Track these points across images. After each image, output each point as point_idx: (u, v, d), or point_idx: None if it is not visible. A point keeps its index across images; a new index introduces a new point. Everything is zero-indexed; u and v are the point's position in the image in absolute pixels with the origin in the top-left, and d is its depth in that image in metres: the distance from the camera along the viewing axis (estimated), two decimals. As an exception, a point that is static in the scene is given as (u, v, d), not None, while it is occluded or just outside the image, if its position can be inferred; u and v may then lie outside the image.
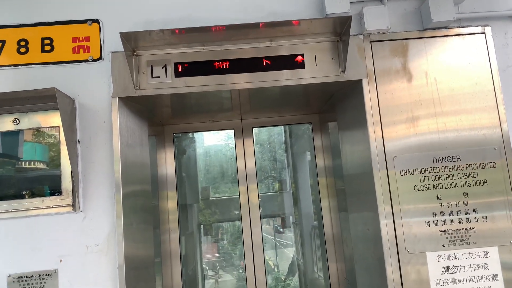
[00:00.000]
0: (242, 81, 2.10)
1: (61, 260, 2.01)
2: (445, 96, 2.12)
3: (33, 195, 2.07)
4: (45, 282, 1.99)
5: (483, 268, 1.99)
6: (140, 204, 2.22)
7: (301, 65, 2.12)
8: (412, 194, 2.05)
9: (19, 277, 1.99)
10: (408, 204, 2.04)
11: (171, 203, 2.84)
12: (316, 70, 2.13)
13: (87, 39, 2.18)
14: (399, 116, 2.11)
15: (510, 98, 2.18)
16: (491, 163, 2.07)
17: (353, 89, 2.21)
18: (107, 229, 2.04)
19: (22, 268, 2.00)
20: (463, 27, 2.20)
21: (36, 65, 2.13)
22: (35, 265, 2.01)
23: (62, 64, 2.15)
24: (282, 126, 4.89)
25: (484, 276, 1.98)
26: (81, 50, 2.16)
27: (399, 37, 2.18)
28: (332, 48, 2.15)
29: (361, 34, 2.18)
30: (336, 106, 2.48)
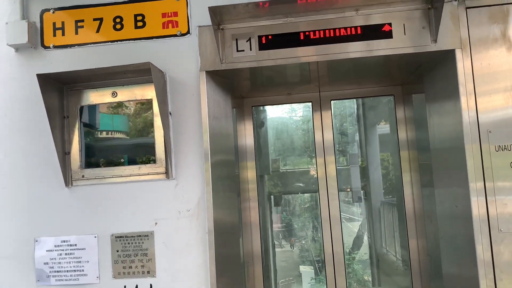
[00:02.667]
0: (327, 52, 2.08)
1: (156, 223, 2.19)
2: (551, 65, 1.94)
3: (130, 162, 2.26)
4: (142, 242, 2.19)
5: None
6: (225, 173, 2.33)
7: (389, 35, 2.05)
8: (508, 170, 1.94)
9: (120, 237, 2.21)
10: (503, 181, 1.93)
11: (250, 173, 2.94)
12: (405, 40, 2.04)
13: (175, 14, 2.26)
14: (496, 85, 1.98)
15: None
16: None
17: (444, 59, 2.09)
18: (197, 195, 2.18)
19: (123, 228, 2.21)
20: None
21: (130, 41, 2.27)
22: (134, 226, 2.20)
23: (153, 39, 2.26)
24: (355, 100, 4.78)
25: None
26: (170, 25, 2.26)
27: (498, 2, 2.00)
28: (423, 16, 2.04)
29: (456, 0, 2.04)
30: (424, 77, 2.36)
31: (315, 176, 2.94)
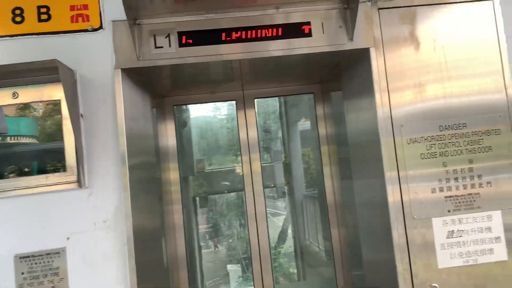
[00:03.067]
0: (249, 50, 2.05)
1: (68, 238, 2.00)
2: (452, 62, 2.12)
3: (40, 171, 2.03)
4: (53, 261, 1.98)
5: (486, 231, 2.05)
6: (145, 176, 2.21)
7: (308, 34, 2.08)
8: (418, 161, 2.08)
9: (26, 257, 1.97)
10: (415, 171, 2.07)
11: (173, 175, 2.83)
12: (324, 39, 2.09)
13: (85, 7, 2.08)
14: (406, 82, 2.10)
15: (515, 65, 2.20)
16: (496, 130, 2.10)
17: (360, 57, 2.19)
18: (114, 204, 2.02)
19: (29, 247, 1.97)
20: (471, -8, 2.17)
21: (33, 36, 2.04)
22: (42, 243, 1.98)
23: (60, 34, 2.06)
24: (277, 98, 4.87)
25: (487, 239, 2.05)
26: (79, 19, 2.07)
27: (407, 4, 2.14)
28: (340, 16, 2.11)
29: (369, 1, 2.13)
30: (342, 75, 2.46)
31: (241, 174, 2.93)
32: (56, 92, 2.02)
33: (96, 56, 2.05)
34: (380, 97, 2.09)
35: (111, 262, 2.01)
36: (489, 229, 2.05)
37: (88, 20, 2.07)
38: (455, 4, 2.14)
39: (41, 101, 2.04)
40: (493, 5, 2.15)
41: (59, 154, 2.04)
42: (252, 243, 2.83)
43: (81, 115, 2.04)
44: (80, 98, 2.04)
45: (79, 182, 2.01)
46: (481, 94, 2.11)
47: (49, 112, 2.15)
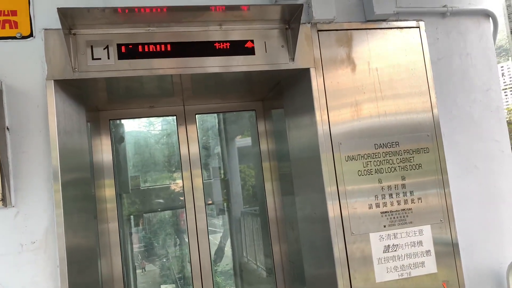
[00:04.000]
0: (190, 65, 2.03)
1: (-10, 261, 1.81)
2: (384, 84, 2.25)
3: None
4: (-29, 287, 1.78)
5: (418, 245, 2.17)
6: (80, 193, 2.07)
7: (251, 52, 2.10)
8: (356, 177, 2.16)
9: None
10: (353, 186, 2.15)
11: (108, 192, 2.69)
12: (266, 57, 2.12)
13: (14, 13, 1.94)
14: (343, 101, 2.20)
15: (440, 87, 2.38)
16: (425, 148, 2.25)
17: (300, 76, 2.25)
18: (45, 224, 1.87)
19: None
20: (401, 20, 2.34)
21: (-48, 41, 1.86)
22: (-42, 268, 1.78)
23: (-16, 41, 1.89)
24: (216, 114, 4.86)
25: (419, 252, 2.17)
26: (7, 25, 1.92)
27: (344, 27, 2.25)
28: (281, 36, 2.16)
29: (309, 23, 2.21)
30: (283, 93, 2.50)
31: (176, 191, 2.86)
32: (-23, 103, 1.84)
33: (25, 66, 1.91)
34: (320, 115, 2.16)
35: (40, 286, 1.84)
36: (420, 243, 2.17)
37: (16, 27, 1.93)
38: (387, 30, 2.29)
39: (-41, 113, 1.85)
40: (419, 31, 2.33)
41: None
42: (193, 260, 2.75)
43: (7, 128, 1.88)
44: (6, 110, 1.87)
45: (4, 201, 1.84)
46: (411, 114, 2.26)
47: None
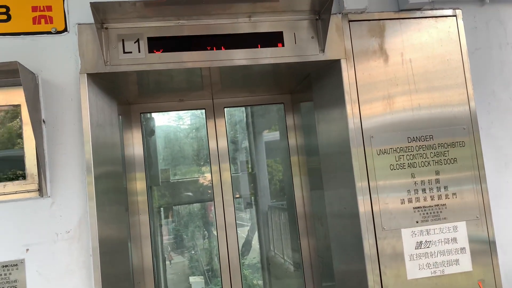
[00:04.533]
0: (220, 58, 2.02)
1: (27, 250, 1.87)
2: (419, 76, 2.17)
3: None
4: (10, 274, 1.85)
5: (452, 242, 2.10)
6: (112, 186, 2.11)
7: (281, 43, 2.08)
8: (388, 171, 2.10)
9: (-20, 269, 1.83)
10: (385, 181, 2.09)
11: (139, 185, 2.74)
12: (296, 49, 2.09)
13: (49, 8, 1.98)
14: (375, 94, 2.14)
15: (477, 79, 2.29)
16: (460, 142, 2.16)
17: (331, 68, 2.21)
18: (78, 214, 1.92)
19: (-17, 259, 1.84)
20: (436, 9, 2.25)
21: (-9, 37, 1.92)
22: (-1, 255, 1.85)
23: (21, 36, 1.95)
24: (244, 108, 4.86)
25: (453, 250, 2.09)
26: (42, 20, 1.97)
27: (376, 18, 2.18)
28: (311, 27, 2.12)
29: (339, 13, 2.16)
30: (312, 86, 2.47)
31: (204, 184, 2.88)
32: (16, 97, 1.91)
33: (60, 60, 1.96)
34: (351, 108, 2.11)
35: (74, 274, 1.90)
36: (455, 239, 2.10)
37: (51, 22, 1.97)
38: (421, 19, 2.21)
39: (-1, 106, 1.91)
40: (456, 20, 2.23)
41: (19, 162, 1.92)
42: (222, 254, 2.77)
43: (44, 121, 1.93)
44: (42, 103, 1.93)
45: (41, 191, 1.90)
46: (447, 107, 2.18)
47: (9, 119, 2.02)
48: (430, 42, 2.20)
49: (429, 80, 2.18)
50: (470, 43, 2.27)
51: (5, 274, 1.84)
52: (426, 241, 2.08)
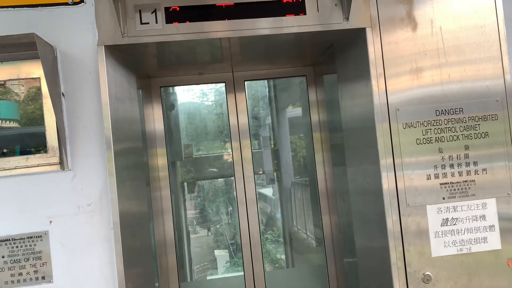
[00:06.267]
0: (240, 27, 1.95)
1: (51, 222, 1.91)
2: (450, 46, 2.04)
3: (15, 153, 1.92)
4: (35, 244, 1.89)
5: (481, 219, 2.01)
6: (132, 162, 2.11)
7: (303, 11, 1.98)
8: (414, 147, 2.01)
9: (6, 240, 1.88)
10: (410, 157, 2.01)
11: (160, 160, 2.74)
12: (318, 17, 2.00)
13: (65, -21, 1.95)
14: (403, 67, 2.03)
15: (514, 48, 2.14)
16: (493, 115, 2.04)
17: (355, 38, 2.10)
18: (99, 187, 1.94)
19: (9, 230, 1.89)
20: (471, -28, 2.09)
21: (9, 8, 1.91)
22: (23, 227, 1.90)
23: (39, 8, 1.93)
24: (265, 81, 4.78)
25: (481, 227, 2.01)
26: (59, -9, 1.95)
27: (403, -18, 2.05)
28: (335, -7, 2.01)
29: (365, -22, 2.04)
30: (336, 57, 2.37)
31: (229, 160, 2.86)
32: (34, 70, 1.91)
33: (77, 32, 1.94)
34: (376, 83, 2.01)
35: (96, 247, 1.94)
36: (483, 217, 2.01)
37: (68, -7, 1.94)
38: (454, -16, 2.06)
39: (18, 79, 1.92)
40: (494, -14, 2.07)
41: (42, 137, 1.93)
42: (242, 229, 2.77)
43: (63, 94, 1.93)
44: (61, 76, 1.93)
45: (62, 164, 1.92)
46: (479, 80, 2.05)
47: (32, 96, 2.03)
48: (463, 8, 2.06)
49: (461, 51, 2.05)
50: (507, 9, 2.11)
51: (30, 245, 1.89)
52: (452, 218, 2.00)
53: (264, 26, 1.97)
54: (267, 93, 5.40)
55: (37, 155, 1.91)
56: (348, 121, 2.34)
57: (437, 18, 2.05)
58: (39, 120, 1.95)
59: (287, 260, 5.17)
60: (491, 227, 2.01)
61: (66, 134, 1.92)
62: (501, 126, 2.04)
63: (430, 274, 1.96)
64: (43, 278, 1.89)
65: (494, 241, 2.01)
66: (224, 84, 2.78)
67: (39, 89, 1.93)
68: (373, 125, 2.01)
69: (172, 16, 1.94)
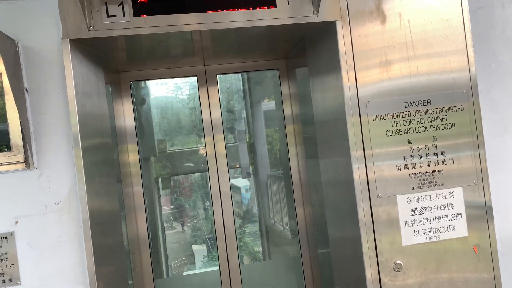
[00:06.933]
0: (210, 20, 1.93)
1: (17, 222, 1.85)
2: (417, 39, 2.08)
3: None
4: (0, 246, 1.83)
5: (449, 208, 2.07)
6: (101, 158, 2.06)
7: (273, 3, 1.97)
8: (384, 138, 2.05)
9: (-31, 242, 1.82)
10: (380, 148, 2.04)
11: (132, 156, 2.69)
12: (289, 10, 1.99)
13: (26, -31, 1.88)
14: (372, 60, 2.05)
15: (478, 40, 2.20)
16: (459, 106, 2.10)
17: (325, 31, 2.11)
18: (68, 185, 1.89)
19: (-29, 231, 1.82)
20: (437, -35, 2.12)
21: (-34, 1, 1.83)
22: (-14, 227, 1.83)
23: (-2, 0, 1.85)
24: (239, 74, 4.76)
25: (449, 216, 2.07)
26: (19, -17, 1.87)
27: (372, -25, 2.07)
28: (305, -14, 2.01)
29: (334, -29, 2.04)
30: (307, 50, 2.38)
31: (204, 155, 2.83)
32: (-5, 65, 1.83)
33: (40, 25, 1.88)
34: (347, 75, 2.02)
35: (65, 246, 1.89)
36: (451, 205, 2.07)
37: (29, -16, 1.87)
38: (421, -23, 2.09)
39: (-22, 74, 1.84)
40: (459, -21, 2.12)
41: (6, 135, 1.86)
42: (217, 223, 2.76)
43: (26, 90, 1.86)
44: (24, 71, 1.86)
45: (27, 162, 1.86)
46: (446, 72, 2.09)
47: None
48: (430, 2, 2.09)
49: (429, 44, 2.08)
50: (471, 1, 2.16)
51: (-5, 247, 1.83)
52: (422, 208, 2.05)
53: (235, 19, 1.95)
54: (241, 86, 5.38)
55: (0, 154, 1.84)
56: (319, 114, 2.36)
57: (405, 12, 2.08)
58: (2, 117, 1.88)
59: (263, 253, 5.20)
60: (458, 215, 2.08)
61: (31, 131, 1.86)
62: (466, 117, 2.10)
63: (401, 262, 2.01)
64: (10, 280, 1.83)
65: (461, 229, 2.07)
66: (196, 78, 2.74)
67: (1, 84, 1.86)
68: (343, 117, 2.03)
69: (140, 8, 1.89)
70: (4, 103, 1.84)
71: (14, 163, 1.84)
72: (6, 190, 1.84)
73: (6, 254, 1.83)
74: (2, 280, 1.83)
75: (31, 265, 1.85)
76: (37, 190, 1.87)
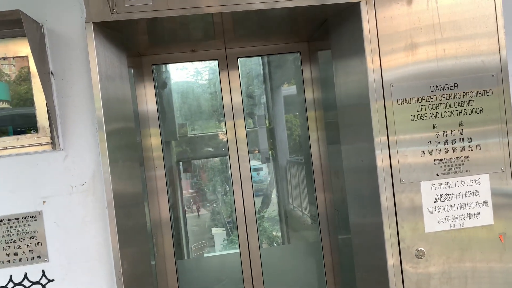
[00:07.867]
0: (234, 2, 1.90)
1: (44, 202, 1.90)
2: (445, 21, 2.01)
3: (8, 134, 1.90)
4: (29, 224, 1.89)
5: (474, 195, 2.03)
6: (125, 142, 2.09)
7: (296, -14, 1.93)
8: (408, 123, 2.00)
9: (0, 220, 1.88)
10: (404, 134, 2.00)
11: (154, 140, 2.72)
12: (312, -9, 1.95)
13: (50, -47, 1.88)
14: (398, 43, 2.00)
15: (510, 22, 2.10)
16: (487, 91, 2.03)
17: (349, 13, 2.06)
18: (92, 167, 1.92)
19: (2, 210, 1.88)
20: None
21: (-7, -16, 1.85)
22: (16, 207, 1.89)
23: (24, -17, 1.87)
24: (259, 58, 4.72)
25: (474, 203, 2.02)
26: (44, -34, 1.88)
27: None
28: (329, -34, 1.96)
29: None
30: (330, 33, 2.33)
31: (224, 140, 2.84)
32: (22, 48, 1.86)
33: (65, 8, 1.89)
34: (371, 59, 1.98)
35: (91, 226, 1.93)
36: (476, 193, 2.02)
37: (54, -33, 1.88)
38: (451, -44, 2.01)
39: (6, 57, 1.87)
40: (491, -42, 2.02)
41: (34, 117, 1.90)
42: (238, 207, 2.78)
43: (52, 73, 1.89)
44: (49, 55, 1.88)
45: (53, 144, 1.89)
46: (475, 56, 2.02)
47: (24, 76, 1.98)
48: (459, -18, 2.02)
49: (458, 27, 2.01)
50: (504, -18, 2.07)
51: (24, 225, 1.89)
52: (446, 194, 2.01)
53: (257, 0, 1.92)
54: (262, 70, 5.34)
55: (28, 135, 1.88)
56: (342, 99, 2.32)
57: (432, -9, 2.01)
58: (30, 100, 1.92)
59: (283, 237, 5.23)
60: (484, 202, 2.03)
61: (57, 113, 1.89)
62: (495, 102, 2.03)
63: (423, 249, 1.99)
64: (38, 257, 1.90)
65: (486, 217, 2.03)
66: (217, 61, 2.73)
67: (28, 68, 1.89)
68: (367, 102, 2.00)
69: (162, -10, 1.88)
70: (31, 86, 1.87)
71: (41, 145, 1.88)
72: (33, 170, 1.88)
73: (35, 232, 1.89)
74: (31, 257, 1.89)
75: (58, 243, 1.91)
76: (63, 171, 1.91)
